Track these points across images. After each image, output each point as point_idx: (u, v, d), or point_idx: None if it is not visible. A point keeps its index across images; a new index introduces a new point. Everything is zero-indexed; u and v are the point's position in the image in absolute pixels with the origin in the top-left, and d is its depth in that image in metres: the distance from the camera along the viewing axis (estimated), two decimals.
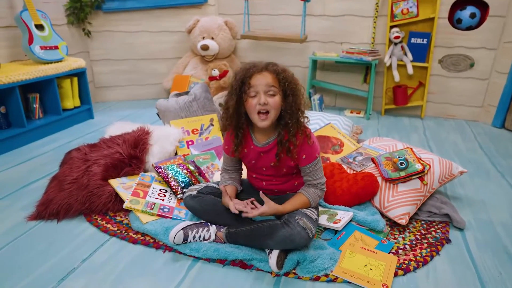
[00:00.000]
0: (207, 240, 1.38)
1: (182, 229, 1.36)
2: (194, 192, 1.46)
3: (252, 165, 1.41)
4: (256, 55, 3.45)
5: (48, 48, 2.58)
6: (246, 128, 1.37)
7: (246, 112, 1.30)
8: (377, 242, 1.42)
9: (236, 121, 1.31)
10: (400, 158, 1.64)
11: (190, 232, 1.37)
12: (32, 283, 1.22)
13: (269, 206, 1.29)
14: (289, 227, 1.24)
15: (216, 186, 1.49)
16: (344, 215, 1.53)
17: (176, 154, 2.03)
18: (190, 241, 1.37)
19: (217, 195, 1.45)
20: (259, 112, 1.26)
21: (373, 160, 1.75)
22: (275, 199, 1.47)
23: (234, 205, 1.31)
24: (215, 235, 1.39)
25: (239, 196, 1.49)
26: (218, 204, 1.42)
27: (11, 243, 1.43)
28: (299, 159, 1.33)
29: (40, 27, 2.56)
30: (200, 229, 1.38)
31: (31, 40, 2.49)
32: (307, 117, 1.32)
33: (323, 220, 1.50)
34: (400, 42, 2.95)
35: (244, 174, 1.57)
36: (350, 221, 1.53)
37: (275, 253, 1.25)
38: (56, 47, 2.65)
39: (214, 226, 1.41)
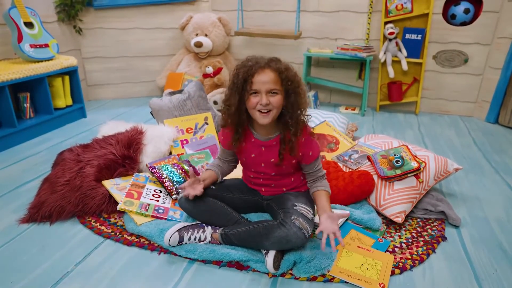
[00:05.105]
0: (203, 241, 1.37)
1: (177, 230, 1.35)
2: None
3: (251, 160, 1.39)
4: (250, 52, 3.41)
5: (38, 46, 2.53)
6: (246, 124, 1.36)
7: (247, 109, 1.29)
8: (373, 240, 1.42)
9: (238, 119, 1.30)
10: (396, 156, 1.63)
11: (185, 234, 1.35)
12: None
13: (330, 218, 1.22)
14: (285, 228, 1.23)
15: (212, 187, 1.47)
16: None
17: (170, 153, 2.01)
18: (186, 243, 1.35)
19: (212, 195, 1.44)
20: (260, 111, 1.25)
21: (368, 158, 1.75)
22: (271, 199, 1.46)
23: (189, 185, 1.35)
24: (211, 236, 1.38)
25: (234, 194, 1.47)
26: (214, 204, 1.40)
27: (3, 246, 1.41)
28: (306, 156, 1.32)
29: (29, 24, 2.51)
30: (196, 231, 1.37)
31: (20, 38, 2.44)
32: (309, 115, 1.32)
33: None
34: (395, 38, 2.94)
35: (239, 173, 1.55)
36: (346, 220, 1.52)
37: (272, 253, 1.24)
38: (47, 45, 2.60)
39: (209, 227, 1.40)
